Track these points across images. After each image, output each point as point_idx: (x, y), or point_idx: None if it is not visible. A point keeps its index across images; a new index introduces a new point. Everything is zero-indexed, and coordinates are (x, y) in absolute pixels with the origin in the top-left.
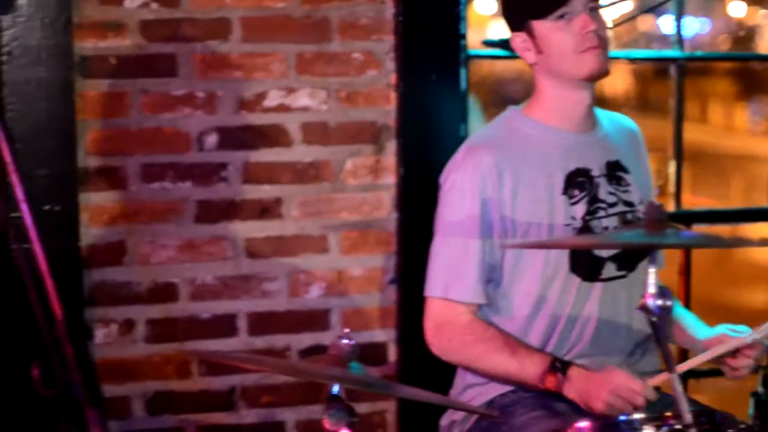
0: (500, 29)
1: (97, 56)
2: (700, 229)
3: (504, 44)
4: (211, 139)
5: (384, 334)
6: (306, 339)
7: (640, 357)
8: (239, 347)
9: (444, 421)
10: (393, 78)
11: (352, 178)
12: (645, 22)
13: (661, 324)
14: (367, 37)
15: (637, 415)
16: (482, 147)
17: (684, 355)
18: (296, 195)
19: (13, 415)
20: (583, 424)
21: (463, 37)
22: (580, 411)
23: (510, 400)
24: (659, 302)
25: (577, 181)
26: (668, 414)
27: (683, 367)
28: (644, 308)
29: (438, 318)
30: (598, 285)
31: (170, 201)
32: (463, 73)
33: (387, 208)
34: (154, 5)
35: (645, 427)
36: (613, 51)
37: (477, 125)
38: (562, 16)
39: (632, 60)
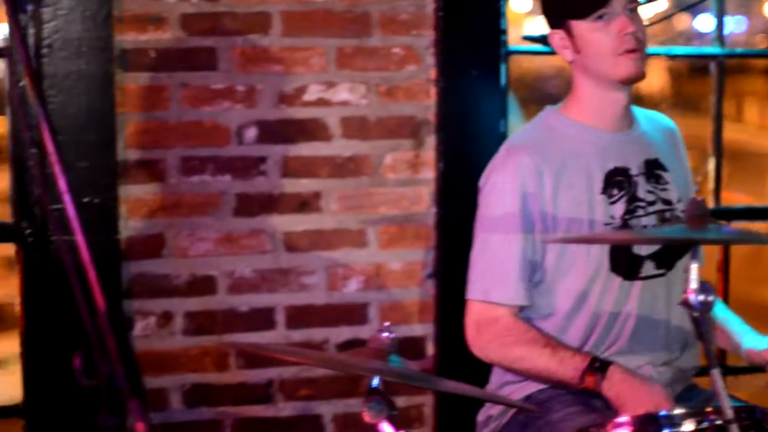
0: (535, 27)
1: (138, 49)
2: (738, 226)
3: (544, 40)
4: (251, 133)
5: (422, 329)
6: (344, 333)
7: (679, 354)
8: (277, 340)
9: (481, 416)
10: (433, 73)
11: (392, 173)
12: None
13: (702, 320)
14: (407, 32)
15: (677, 410)
16: (522, 148)
17: (724, 354)
18: (335, 189)
19: (54, 405)
20: (623, 418)
21: (504, 32)
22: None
23: (547, 395)
24: (701, 298)
25: (616, 180)
26: (709, 409)
27: None
28: (686, 304)
29: (479, 319)
30: (638, 283)
31: (209, 194)
32: (503, 68)
33: (426, 203)
34: None
35: (685, 422)
36: (651, 48)
37: (515, 121)
38: (600, 17)
39: (671, 57)
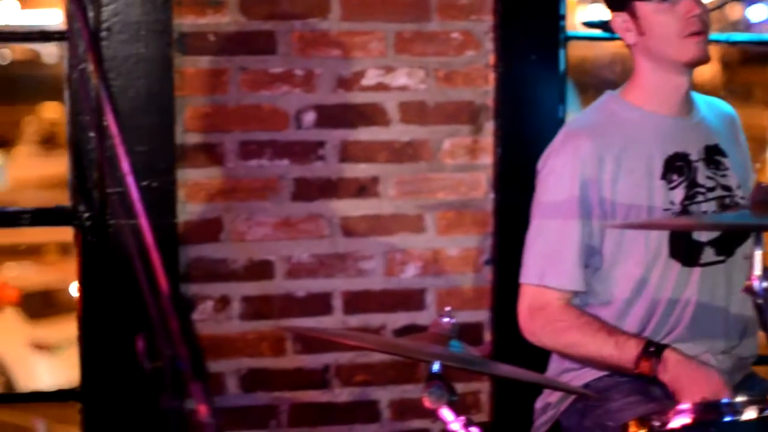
0: (591, 13)
1: (196, 33)
2: None
3: (604, 26)
4: (309, 117)
5: (478, 315)
6: (401, 318)
7: (738, 342)
8: (334, 326)
9: (539, 403)
10: (492, 58)
11: (450, 158)
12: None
13: (766, 306)
14: (466, 16)
15: (739, 398)
16: (581, 132)
17: None
18: (393, 174)
19: (113, 388)
20: (684, 406)
21: (563, 17)
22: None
23: (605, 384)
24: (765, 284)
25: (676, 165)
26: None
27: None
28: (749, 290)
29: (532, 304)
30: (697, 270)
31: (267, 178)
32: (561, 54)
33: (484, 189)
34: None
35: (747, 409)
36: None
37: (573, 107)
38: None
39: (731, 43)
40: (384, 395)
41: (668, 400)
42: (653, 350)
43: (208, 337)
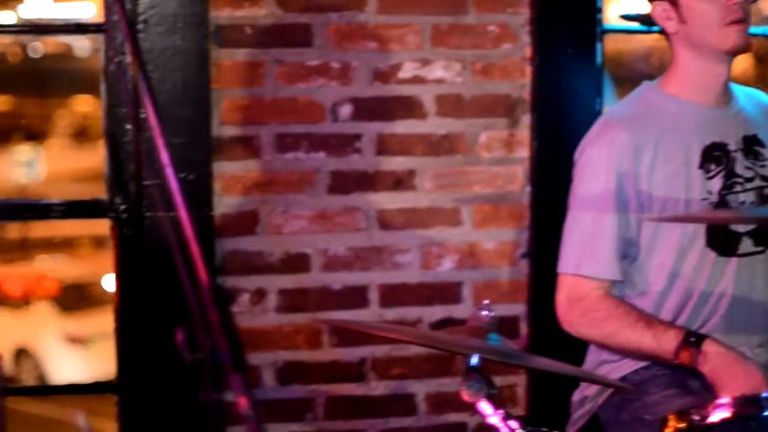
0: (627, 6)
1: (233, 25)
2: None
3: (641, 19)
4: (346, 110)
5: (515, 309)
6: (437, 312)
7: None
8: (370, 319)
9: (576, 396)
10: (528, 51)
11: (486, 151)
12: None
13: None
14: (502, 9)
15: None
16: (618, 122)
17: None
18: (430, 167)
19: (150, 380)
20: (724, 399)
21: (599, 10)
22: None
23: (642, 377)
24: None
25: (714, 155)
26: None
27: None
28: None
29: (570, 294)
30: (734, 260)
31: (303, 171)
32: (598, 47)
33: (520, 182)
34: None
35: None
36: None
37: (609, 100)
38: None
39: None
40: (420, 388)
41: (706, 392)
42: (693, 340)
43: (244, 330)
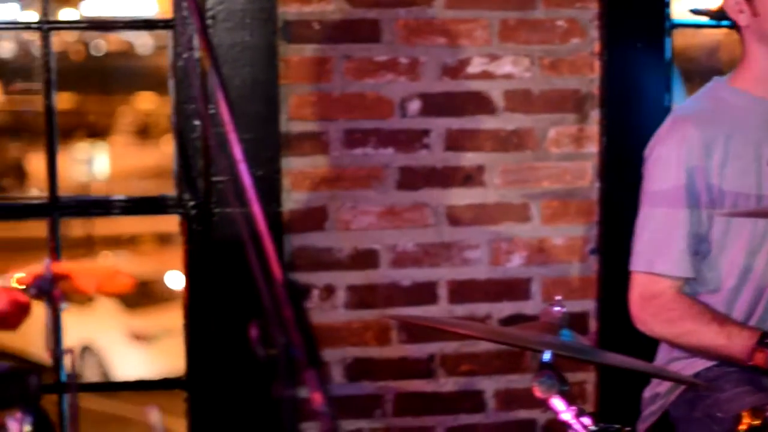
0: (696, 0)
1: (301, 21)
2: None
3: (710, 13)
4: (414, 106)
5: (584, 305)
6: (506, 308)
7: None
8: (439, 315)
9: (647, 393)
10: (597, 46)
11: (555, 147)
12: None
13: None
14: (571, 4)
15: None
16: (688, 119)
17: None
18: (498, 163)
19: (219, 377)
20: None
21: (668, 5)
22: None
23: (715, 374)
24: None
25: None
26: None
27: None
28: None
29: (643, 292)
30: None
31: (372, 167)
32: (667, 41)
33: (589, 178)
34: None
35: None
36: None
37: (679, 95)
38: None
39: None
40: (489, 385)
41: None
42: None
43: (313, 326)
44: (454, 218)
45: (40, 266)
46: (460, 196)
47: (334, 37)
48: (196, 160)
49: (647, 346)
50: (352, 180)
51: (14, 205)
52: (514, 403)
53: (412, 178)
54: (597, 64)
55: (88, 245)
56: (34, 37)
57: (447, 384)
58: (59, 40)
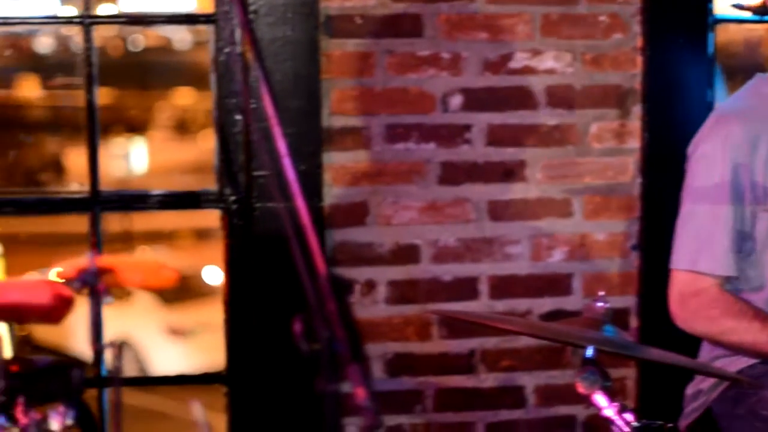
0: None
1: (343, 15)
2: None
3: (753, 8)
4: (456, 101)
5: (625, 301)
6: (547, 303)
7: None
8: (480, 310)
9: (689, 390)
10: (639, 41)
11: (597, 142)
12: None
13: None
14: None
15: None
16: (732, 116)
17: None
18: (540, 158)
19: (260, 371)
20: None
21: (710, 0)
22: None
23: (758, 371)
24: None
25: None
26: None
27: None
28: None
29: (683, 290)
30: None
31: (414, 162)
32: (710, 37)
33: (631, 173)
34: None
35: None
36: None
37: (721, 91)
38: None
39: None
40: (530, 381)
41: None
42: None
43: (354, 321)
44: (495, 213)
45: (83, 260)
46: (502, 192)
47: (376, 32)
48: (238, 155)
49: (689, 342)
50: (393, 175)
51: (56, 200)
52: (555, 399)
53: (453, 173)
54: (639, 60)
55: (126, 240)
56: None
57: (487, 379)
58: (97, 35)
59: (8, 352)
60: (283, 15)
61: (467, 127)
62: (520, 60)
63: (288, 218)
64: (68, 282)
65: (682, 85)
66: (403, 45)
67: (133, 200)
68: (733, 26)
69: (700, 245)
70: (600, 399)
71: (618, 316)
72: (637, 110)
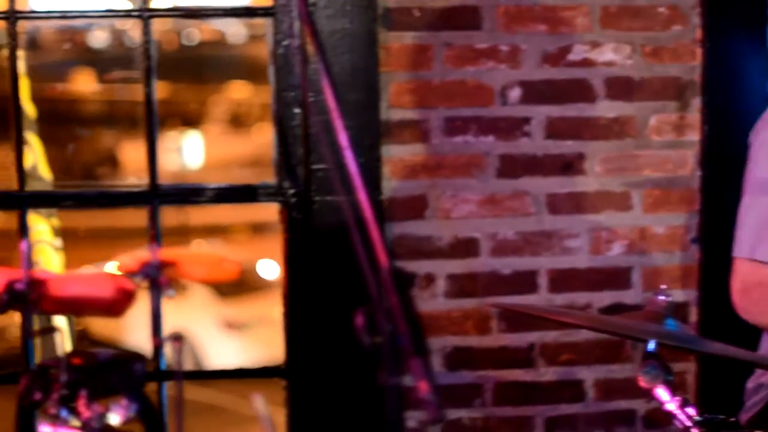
0: None
1: (401, 8)
2: None
3: None
4: (515, 93)
5: (685, 294)
6: (606, 297)
7: None
8: (539, 304)
9: (750, 383)
10: (698, 33)
11: (656, 135)
12: None
13: None
14: None
15: None
16: None
17: None
18: (599, 151)
19: (320, 364)
20: None
21: None
22: None
23: None
24: None
25: None
26: None
27: None
28: None
29: (745, 279)
30: None
31: (472, 155)
32: None
33: (691, 166)
34: None
35: None
36: None
37: None
38: None
39: None
40: (589, 375)
41: None
42: None
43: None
44: (554, 207)
45: (145, 253)
46: (561, 185)
47: (435, 25)
48: (296, 148)
49: (750, 335)
50: (452, 168)
51: (115, 193)
52: (614, 393)
53: (512, 166)
54: (698, 52)
55: (182, 234)
56: (126, 27)
57: (547, 373)
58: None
59: (69, 346)
60: (342, 7)
61: (526, 120)
62: (579, 52)
63: (349, 211)
64: (130, 275)
65: (741, 77)
66: (462, 37)
67: (191, 193)
68: None
69: (761, 233)
70: (662, 393)
71: (678, 310)
72: (696, 102)
